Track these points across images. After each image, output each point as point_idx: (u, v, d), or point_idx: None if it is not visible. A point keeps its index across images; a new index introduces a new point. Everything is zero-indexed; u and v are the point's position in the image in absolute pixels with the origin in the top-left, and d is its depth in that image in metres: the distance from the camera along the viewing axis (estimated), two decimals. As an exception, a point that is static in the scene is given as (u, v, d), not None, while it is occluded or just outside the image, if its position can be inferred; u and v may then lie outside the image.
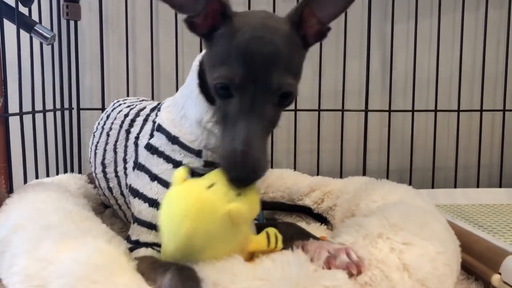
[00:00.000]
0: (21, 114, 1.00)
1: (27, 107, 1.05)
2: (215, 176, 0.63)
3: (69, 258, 0.60)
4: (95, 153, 0.90)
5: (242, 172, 0.60)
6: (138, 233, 0.72)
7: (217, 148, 0.67)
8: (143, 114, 0.84)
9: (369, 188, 0.89)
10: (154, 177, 0.72)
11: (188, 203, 0.59)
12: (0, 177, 0.88)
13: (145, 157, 0.75)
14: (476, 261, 0.77)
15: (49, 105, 1.22)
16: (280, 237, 0.66)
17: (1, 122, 0.90)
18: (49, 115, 1.22)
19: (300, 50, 0.66)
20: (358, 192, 0.90)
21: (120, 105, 0.94)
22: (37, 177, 1.07)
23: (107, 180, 0.87)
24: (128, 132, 0.83)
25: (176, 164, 0.71)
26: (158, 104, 0.84)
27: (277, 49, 0.61)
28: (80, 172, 1.34)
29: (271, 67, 0.60)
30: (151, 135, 0.76)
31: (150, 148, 0.75)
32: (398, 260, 0.60)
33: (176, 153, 0.72)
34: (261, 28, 0.62)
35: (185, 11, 0.64)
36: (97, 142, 0.90)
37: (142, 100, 0.97)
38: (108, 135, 0.88)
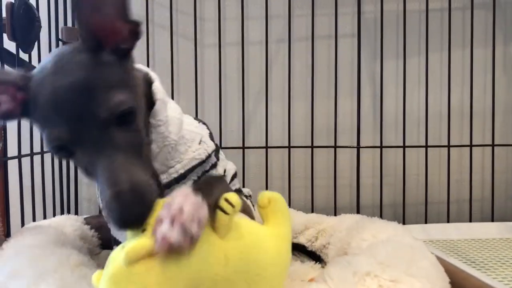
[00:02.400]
0: (19, 157, 1.02)
1: (25, 149, 1.07)
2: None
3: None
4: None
5: (125, 212, 0.52)
6: None
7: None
8: None
9: (360, 226, 0.91)
10: None
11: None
12: (-2, 221, 0.90)
13: None
14: (465, 300, 0.78)
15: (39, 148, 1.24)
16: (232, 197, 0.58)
17: (0, 166, 0.92)
18: (46, 156, 1.24)
19: (112, 63, 0.58)
20: (349, 231, 0.92)
21: None
22: (34, 219, 1.08)
23: None
24: None
25: None
26: None
27: (81, 81, 0.55)
28: (76, 211, 1.35)
29: (87, 103, 0.54)
30: None
31: None
32: (386, 298, 0.62)
33: None
34: (55, 73, 0.56)
35: None
36: None
37: None
38: None
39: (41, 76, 0.57)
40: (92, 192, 1.44)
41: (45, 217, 1.15)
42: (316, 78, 1.40)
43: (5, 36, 0.95)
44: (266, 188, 1.39)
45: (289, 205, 1.35)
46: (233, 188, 0.84)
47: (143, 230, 0.52)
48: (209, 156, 0.76)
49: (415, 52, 1.47)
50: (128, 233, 0.54)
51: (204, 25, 1.46)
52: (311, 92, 1.38)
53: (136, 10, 1.40)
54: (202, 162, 0.75)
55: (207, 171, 0.76)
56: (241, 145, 1.39)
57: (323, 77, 1.46)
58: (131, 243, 0.50)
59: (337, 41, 1.36)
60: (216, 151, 0.80)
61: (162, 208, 0.53)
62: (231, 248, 0.57)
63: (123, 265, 0.49)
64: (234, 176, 0.87)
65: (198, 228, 0.52)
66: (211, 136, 0.81)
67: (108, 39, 0.58)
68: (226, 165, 0.84)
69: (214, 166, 0.78)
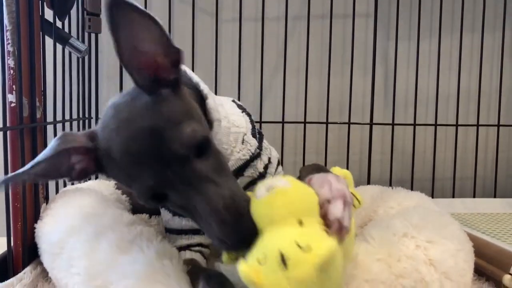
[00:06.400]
0: (54, 123, 1.05)
1: (49, 117, 1.09)
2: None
3: (130, 260, 0.65)
4: None
5: (236, 235, 0.53)
6: (173, 240, 0.78)
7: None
8: None
9: (385, 195, 0.97)
10: None
11: None
12: (38, 184, 0.92)
13: None
14: (487, 263, 0.84)
15: (67, 115, 1.26)
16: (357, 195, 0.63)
17: (40, 131, 0.94)
18: (67, 125, 1.26)
19: (170, 98, 0.57)
20: (374, 200, 0.97)
21: None
22: (65, 185, 1.11)
23: None
24: None
25: None
26: None
27: (147, 128, 0.54)
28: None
29: (160, 146, 0.54)
30: None
31: None
32: (424, 255, 0.68)
33: None
34: (122, 128, 0.55)
35: (63, 177, 0.60)
36: None
37: None
38: None
39: (107, 133, 0.57)
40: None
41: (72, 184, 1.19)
42: (331, 56, 1.44)
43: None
44: (283, 163, 1.44)
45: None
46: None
47: (300, 222, 0.52)
48: (252, 155, 0.77)
49: (427, 34, 1.51)
50: (279, 223, 0.52)
51: (223, 0, 1.48)
52: (327, 69, 1.42)
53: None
54: (248, 161, 0.76)
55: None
56: (257, 120, 1.43)
57: (337, 55, 1.49)
58: (326, 250, 0.48)
59: (355, 20, 1.41)
60: (260, 141, 0.80)
61: (316, 186, 0.55)
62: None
63: (317, 270, 0.47)
64: (278, 164, 0.86)
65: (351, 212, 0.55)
66: (253, 130, 0.80)
67: (157, 74, 0.56)
68: (271, 153, 0.84)
69: (257, 156, 0.79)
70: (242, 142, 0.75)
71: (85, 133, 0.60)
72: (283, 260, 0.47)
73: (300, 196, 0.54)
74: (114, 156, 0.56)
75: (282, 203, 0.53)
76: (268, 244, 0.50)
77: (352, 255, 0.66)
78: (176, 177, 0.54)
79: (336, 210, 0.53)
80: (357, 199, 0.60)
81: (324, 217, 0.53)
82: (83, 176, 0.61)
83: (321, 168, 0.70)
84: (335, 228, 0.52)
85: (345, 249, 0.59)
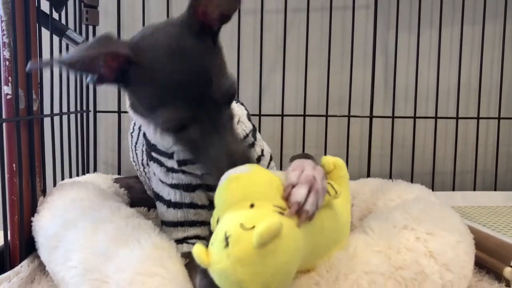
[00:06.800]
0: (52, 115, 1.04)
1: (46, 110, 1.08)
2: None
3: (127, 253, 0.64)
4: (136, 154, 0.95)
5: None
6: (169, 233, 0.77)
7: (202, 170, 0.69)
8: None
9: (385, 188, 0.96)
10: (160, 180, 0.78)
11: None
12: (36, 177, 0.91)
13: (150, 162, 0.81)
14: (487, 256, 0.84)
15: (65, 108, 1.25)
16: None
17: (36, 123, 0.93)
18: (65, 118, 1.25)
19: (212, 47, 0.64)
20: (374, 192, 0.97)
21: None
22: (63, 178, 1.10)
23: (148, 179, 0.92)
24: (144, 134, 0.87)
25: (167, 168, 0.76)
26: None
27: (198, 65, 0.60)
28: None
29: (206, 86, 0.60)
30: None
31: (148, 154, 0.80)
32: (424, 247, 0.67)
33: (160, 157, 0.77)
34: (172, 54, 0.60)
35: (87, 73, 0.61)
36: (136, 142, 0.95)
37: None
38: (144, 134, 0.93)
39: (156, 54, 0.60)
40: (109, 156, 1.47)
41: (71, 177, 1.18)
42: (330, 49, 1.43)
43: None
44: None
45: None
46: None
47: (252, 205, 0.53)
48: (246, 136, 0.79)
49: (427, 26, 1.50)
50: (233, 207, 0.55)
51: (222, -7, 1.46)
52: (327, 62, 1.41)
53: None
54: None
55: None
56: (256, 113, 1.42)
57: (336, 48, 1.48)
58: (264, 226, 0.48)
59: (354, 12, 1.39)
60: (254, 131, 0.83)
61: (289, 171, 0.58)
62: (325, 217, 0.60)
63: (256, 247, 0.48)
64: (271, 159, 0.87)
65: (322, 200, 0.57)
66: (248, 117, 0.83)
67: (209, 23, 0.62)
68: (263, 146, 0.86)
69: (251, 145, 0.81)
70: (237, 123, 0.78)
71: (125, 42, 0.62)
72: (226, 239, 0.50)
73: (255, 181, 0.57)
74: (156, 75, 0.59)
75: (235, 188, 0.56)
76: (219, 226, 0.53)
77: (345, 244, 0.66)
78: (208, 117, 0.61)
79: (297, 194, 0.55)
80: (333, 188, 0.60)
81: (287, 200, 0.56)
82: (100, 82, 0.62)
83: (308, 157, 0.71)
84: (292, 210, 0.54)
85: (335, 237, 0.59)
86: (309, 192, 0.56)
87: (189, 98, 0.59)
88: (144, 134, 0.80)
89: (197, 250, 0.51)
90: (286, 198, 0.56)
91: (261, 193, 0.55)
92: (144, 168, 0.91)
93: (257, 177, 0.57)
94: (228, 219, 0.53)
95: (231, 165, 0.58)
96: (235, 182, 0.56)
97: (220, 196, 0.57)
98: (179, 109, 0.60)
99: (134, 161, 0.98)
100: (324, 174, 0.61)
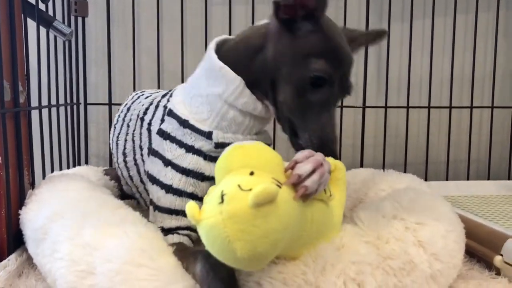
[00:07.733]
0: (40, 108, 1.03)
1: (34, 102, 1.07)
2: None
3: (113, 244, 0.63)
4: (117, 144, 0.94)
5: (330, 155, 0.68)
6: (160, 219, 0.76)
7: (301, 131, 0.72)
8: (155, 101, 0.88)
9: (376, 178, 0.96)
10: (168, 163, 0.75)
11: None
12: (24, 170, 0.90)
13: (158, 143, 0.78)
14: (478, 245, 0.84)
15: (54, 101, 1.24)
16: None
17: (24, 115, 0.92)
18: (54, 110, 1.24)
19: None
20: (365, 182, 0.96)
21: (139, 97, 0.98)
22: (52, 170, 1.09)
23: (127, 169, 0.91)
24: (142, 119, 0.87)
25: (188, 148, 0.74)
26: (170, 90, 0.88)
27: (351, 55, 0.73)
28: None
29: (349, 72, 0.72)
30: (162, 120, 0.79)
31: (162, 134, 0.77)
32: (413, 237, 0.67)
33: (187, 136, 0.74)
34: (343, 36, 0.73)
35: None
36: (118, 134, 0.94)
37: (160, 92, 1.01)
38: (128, 126, 0.92)
39: (330, 23, 0.71)
40: (100, 148, 1.46)
41: (61, 170, 1.17)
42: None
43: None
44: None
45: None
46: None
47: (251, 173, 0.55)
48: None
49: (420, 15, 1.49)
50: (233, 173, 0.57)
51: (213, -18, 1.45)
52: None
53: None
54: None
55: None
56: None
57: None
58: (261, 187, 0.49)
59: (347, 2, 1.38)
60: None
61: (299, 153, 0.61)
62: (316, 209, 0.61)
63: (250, 207, 0.48)
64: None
65: (322, 187, 0.59)
66: None
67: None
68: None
69: None
70: None
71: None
72: (222, 196, 0.50)
73: (258, 152, 0.60)
74: (327, 36, 0.69)
75: (237, 155, 0.59)
76: (217, 189, 0.53)
77: (331, 238, 0.65)
78: (338, 92, 0.72)
79: (301, 167, 0.58)
80: (329, 190, 0.63)
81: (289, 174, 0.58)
82: (281, 13, 0.69)
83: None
84: (292, 179, 0.56)
85: (323, 230, 0.62)
86: (313, 172, 0.58)
87: (341, 67, 0.70)
88: (170, 110, 0.78)
89: (190, 206, 0.52)
90: (291, 168, 0.58)
91: (262, 165, 0.57)
92: (125, 157, 0.90)
93: (262, 150, 0.60)
94: (226, 181, 0.54)
95: (326, 143, 0.69)
96: (239, 149, 0.59)
97: (221, 162, 0.60)
98: (331, 64, 0.68)
99: (113, 152, 0.97)
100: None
